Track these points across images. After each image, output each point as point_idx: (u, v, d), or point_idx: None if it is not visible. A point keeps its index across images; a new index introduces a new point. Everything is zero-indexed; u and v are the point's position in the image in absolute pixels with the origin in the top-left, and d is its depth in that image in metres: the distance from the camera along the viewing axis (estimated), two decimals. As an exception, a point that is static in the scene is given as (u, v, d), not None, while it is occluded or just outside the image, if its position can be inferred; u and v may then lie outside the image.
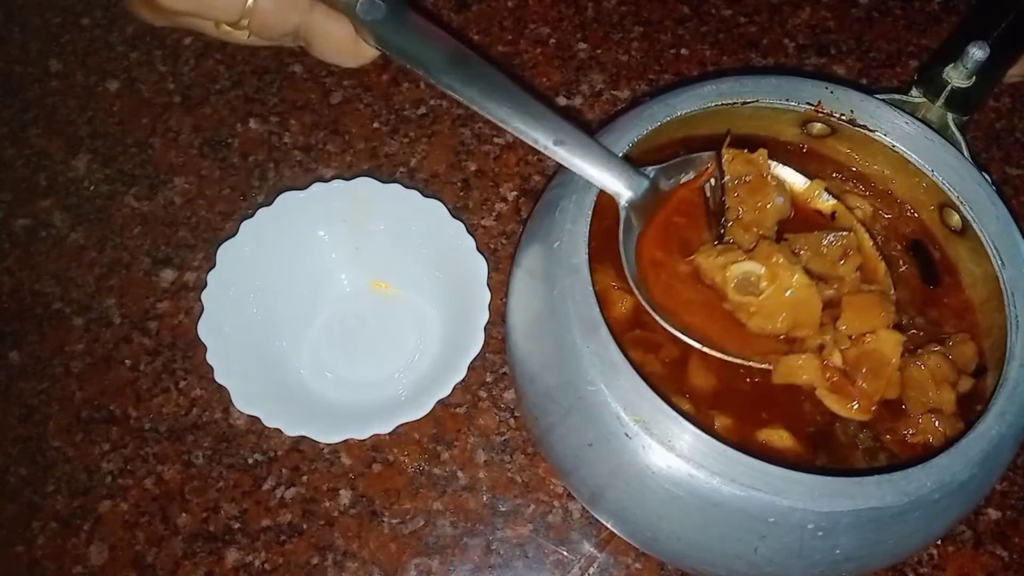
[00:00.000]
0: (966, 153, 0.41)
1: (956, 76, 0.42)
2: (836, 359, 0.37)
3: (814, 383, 0.37)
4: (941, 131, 0.41)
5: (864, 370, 0.37)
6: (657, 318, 0.38)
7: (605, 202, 0.39)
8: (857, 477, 0.33)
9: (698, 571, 0.39)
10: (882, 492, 0.32)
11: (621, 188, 0.39)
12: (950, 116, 0.43)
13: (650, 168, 0.40)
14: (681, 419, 0.33)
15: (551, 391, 0.37)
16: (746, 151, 0.41)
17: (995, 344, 0.38)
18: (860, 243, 0.41)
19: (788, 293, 0.38)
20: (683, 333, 0.38)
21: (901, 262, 0.43)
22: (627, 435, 0.34)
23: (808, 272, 0.39)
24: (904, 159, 0.41)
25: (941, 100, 0.43)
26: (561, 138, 0.38)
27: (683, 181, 0.41)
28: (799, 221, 0.42)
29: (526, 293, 0.40)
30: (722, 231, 0.40)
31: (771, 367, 0.38)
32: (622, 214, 0.39)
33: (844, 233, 0.40)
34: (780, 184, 0.42)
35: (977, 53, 0.41)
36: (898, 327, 0.38)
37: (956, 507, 0.35)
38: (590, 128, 0.57)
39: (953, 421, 0.38)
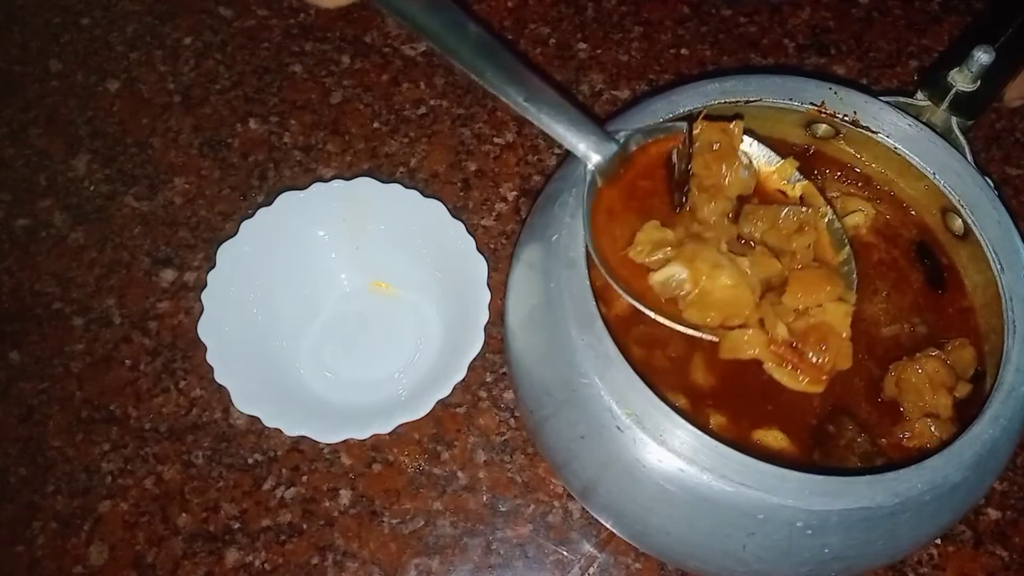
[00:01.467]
0: (969, 157, 0.41)
1: (961, 80, 0.42)
2: (781, 332, 0.37)
3: (761, 357, 0.37)
4: (945, 135, 0.41)
5: (812, 341, 0.37)
6: (611, 280, 0.37)
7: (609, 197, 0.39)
8: (848, 477, 0.33)
9: (688, 566, 0.39)
10: (872, 492, 0.32)
11: (589, 151, 0.38)
12: (954, 120, 0.43)
13: (621, 133, 0.39)
14: (673, 414, 0.33)
15: (546, 383, 0.37)
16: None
17: (994, 349, 0.38)
18: (817, 222, 0.40)
19: (716, 292, 0.37)
20: (637, 300, 0.37)
21: (905, 266, 0.43)
22: (619, 428, 0.34)
23: (766, 245, 0.38)
24: (907, 162, 0.41)
25: (945, 104, 0.43)
26: (533, 95, 0.37)
27: (650, 141, 0.40)
28: (765, 200, 0.42)
29: (524, 286, 0.40)
30: (684, 199, 0.39)
31: (718, 340, 0.38)
32: (587, 178, 0.38)
33: (803, 209, 0.40)
34: (750, 161, 0.41)
35: (982, 57, 0.41)
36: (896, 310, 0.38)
37: (947, 509, 0.35)
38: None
39: (950, 426, 0.38)
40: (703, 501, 0.33)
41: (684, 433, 0.33)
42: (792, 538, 0.33)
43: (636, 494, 0.35)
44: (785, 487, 0.32)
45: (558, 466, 0.39)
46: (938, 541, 0.45)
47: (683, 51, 0.61)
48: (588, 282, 0.36)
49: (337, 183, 0.49)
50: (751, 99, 0.41)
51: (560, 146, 0.56)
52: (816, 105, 0.41)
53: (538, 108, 0.37)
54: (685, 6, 0.62)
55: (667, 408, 0.33)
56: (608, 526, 0.40)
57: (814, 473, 0.33)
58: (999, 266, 0.38)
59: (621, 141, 0.39)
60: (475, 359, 0.44)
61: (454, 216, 0.48)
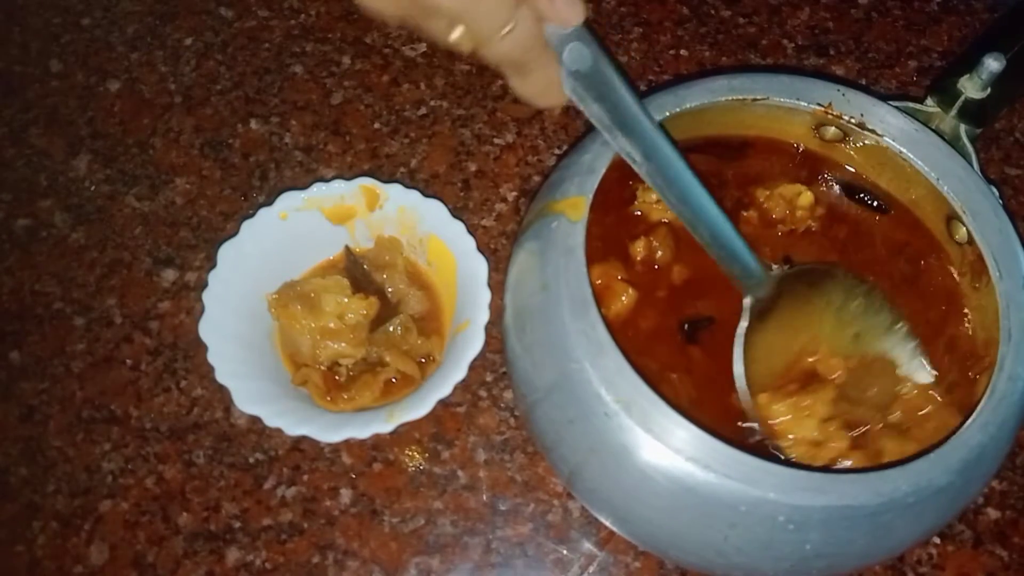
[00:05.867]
0: (975, 166, 0.41)
1: (971, 87, 0.42)
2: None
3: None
4: (953, 142, 0.41)
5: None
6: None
7: (615, 194, 0.39)
8: (832, 474, 0.33)
9: (670, 555, 0.39)
10: (856, 490, 0.32)
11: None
12: (963, 127, 0.43)
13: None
14: (660, 402, 0.33)
15: (538, 367, 0.37)
16: None
17: (992, 359, 0.37)
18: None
19: None
20: None
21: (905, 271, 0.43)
22: (606, 414, 0.34)
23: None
24: (912, 167, 0.41)
25: (954, 111, 0.43)
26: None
27: None
28: None
29: (523, 273, 0.40)
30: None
31: None
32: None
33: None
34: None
35: (993, 64, 0.41)
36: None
37: (931, 512, 0.35)
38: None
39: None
40: (686, 490, 0.33)
41: (670, 422, 0.33)
42: (773, 532, 0.33)
43: (621, 480, 0.35)
44: (768, 480, 0.32)
45: (547, 449, 0.39)
46: (937, 540, 0.45)
47: (682, 52, 0.61)
48: (584, 269, 0.36)
49: (338, 183, 0.49)
50: (758, 97, 0.41)
51: (560, 147, 0.57)
52: (823, 106, 0.41)
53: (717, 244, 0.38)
54: (684, 7, 0.63)
55: (655, 396, 0.34)
56: (593, 512, 0.40)
57: (798, 468, 0.33)
58: (997, 273, 0.38)
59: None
60: (475, 359, 0.44)
61: (454, 216, 0.48)
